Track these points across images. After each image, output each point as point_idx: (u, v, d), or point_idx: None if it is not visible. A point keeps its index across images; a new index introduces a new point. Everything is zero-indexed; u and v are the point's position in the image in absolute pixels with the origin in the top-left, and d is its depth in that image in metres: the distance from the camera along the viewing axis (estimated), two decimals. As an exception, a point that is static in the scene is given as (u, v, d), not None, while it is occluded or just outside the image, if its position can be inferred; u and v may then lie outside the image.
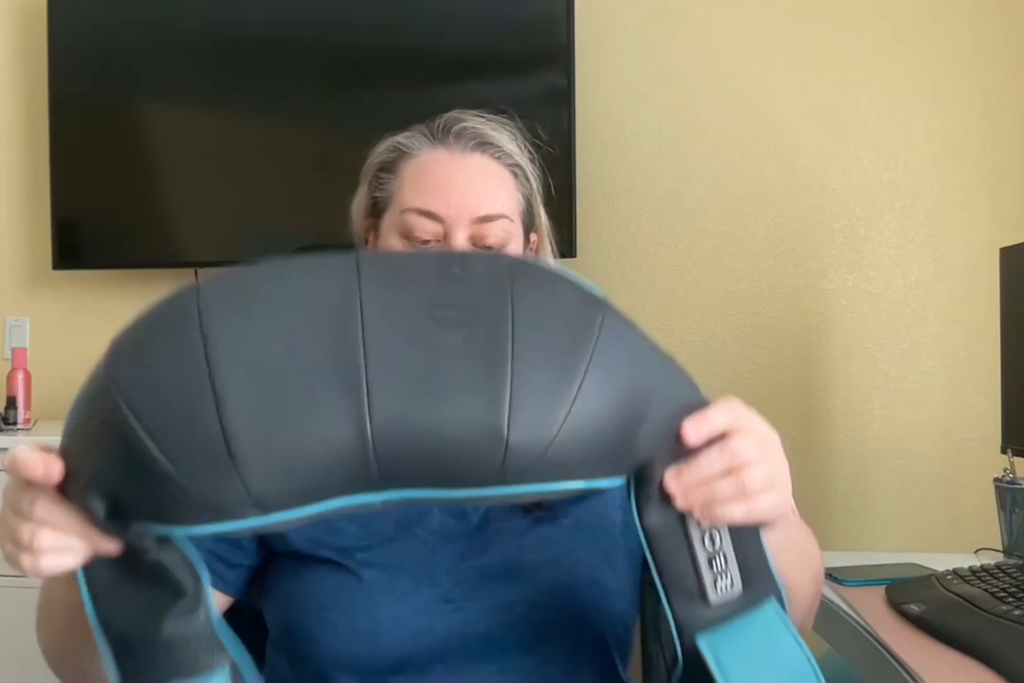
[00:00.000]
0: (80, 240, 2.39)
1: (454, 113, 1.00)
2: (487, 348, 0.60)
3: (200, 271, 2.38)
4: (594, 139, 2.30)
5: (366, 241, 1.01)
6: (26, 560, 0.64)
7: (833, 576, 1.26)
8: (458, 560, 0.91)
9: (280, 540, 0.92)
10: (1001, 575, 1.14)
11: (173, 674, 0.64)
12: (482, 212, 0.94)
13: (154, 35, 2.31)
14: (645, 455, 0.65)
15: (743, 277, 2.30)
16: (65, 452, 0.63)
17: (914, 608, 1.08)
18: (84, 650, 0.73)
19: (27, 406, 2.21)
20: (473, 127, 0.98)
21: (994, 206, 2.24)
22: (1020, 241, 1.56)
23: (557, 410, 0.60)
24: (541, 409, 0.60)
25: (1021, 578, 1.12)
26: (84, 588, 0.65)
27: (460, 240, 0.93)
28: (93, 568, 0.65)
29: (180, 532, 0.61)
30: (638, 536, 0.68)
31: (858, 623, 1.10)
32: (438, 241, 0.94)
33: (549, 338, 0.61)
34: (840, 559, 1.35)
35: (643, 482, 0.66)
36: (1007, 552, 1.42)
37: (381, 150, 1.01)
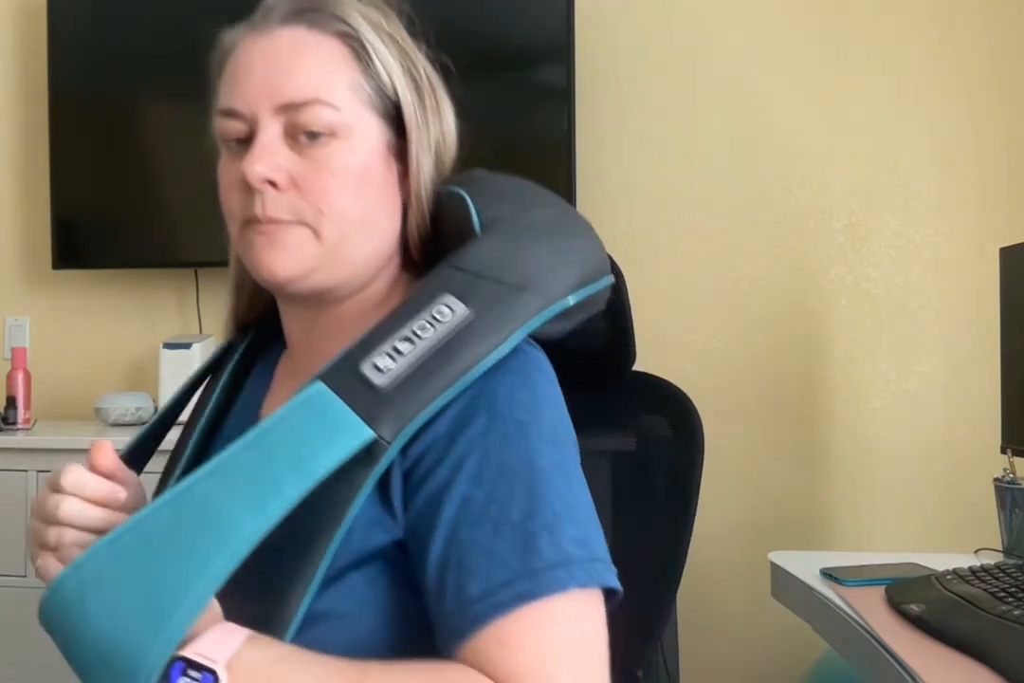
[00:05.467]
0: (80, 240, 2.39)
1: None
2: None
3: (200, 271, 2.38)
4: (594, 139, 2.30)
5: None
6: (49, 560, 0.66)
7: (833, 576, 1.26)
8: None
9: None
10: (1001, 575, 1.14)
11: None
12: (284, 99, 0.77)
13: (154, 35, 2.31)
14: None
15: (743, 277, 2.30)
16: None
17: (914, 608, 1.07)
18: None
19: (27, 406, 2.20)
20: None
21: (994, 206, 2.24)
22: (1020, 241, 1.56)
23: None
24: None
25: (1021, 578, 1.12)
26: None
27: (270, 134, 0.78)
28: None
29: None
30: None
31: (858, 623, 1.10)
32: (249, 139, 0.80)
33: None
34: (840, 559, 1.35)
35: None
36: (1007, 552, 1.42)
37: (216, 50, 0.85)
